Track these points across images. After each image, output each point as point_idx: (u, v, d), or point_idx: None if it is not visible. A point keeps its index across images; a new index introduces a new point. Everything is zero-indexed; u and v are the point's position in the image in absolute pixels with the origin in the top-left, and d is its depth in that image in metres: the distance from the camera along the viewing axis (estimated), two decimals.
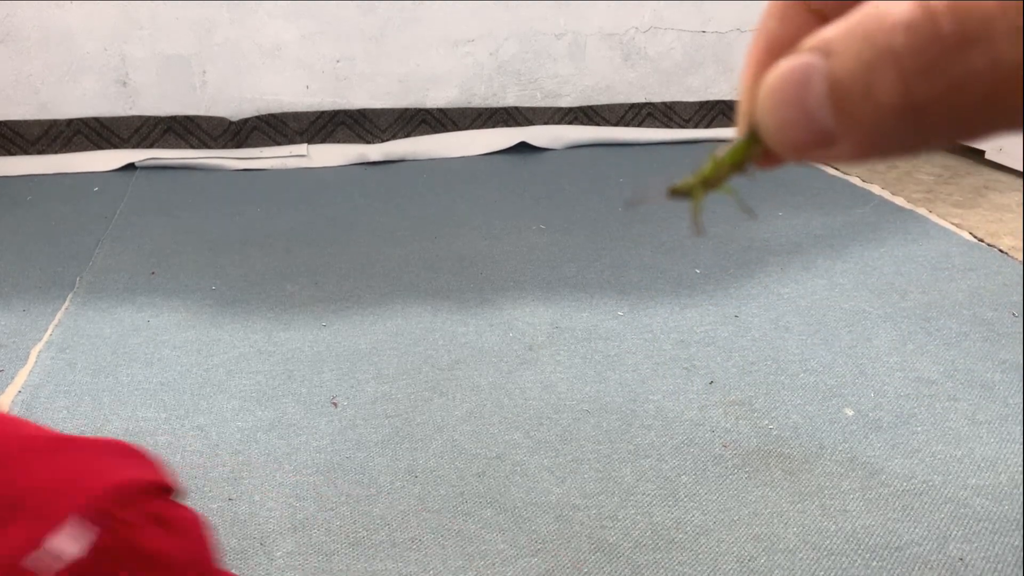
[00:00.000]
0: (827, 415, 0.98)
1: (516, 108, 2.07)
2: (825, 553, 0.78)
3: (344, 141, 2.00)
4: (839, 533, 0.81)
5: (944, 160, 1.97)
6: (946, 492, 0.86)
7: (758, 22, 0.22)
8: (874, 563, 0.77)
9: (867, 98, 0.17)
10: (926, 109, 0.16)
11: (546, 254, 1.42)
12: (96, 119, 1.93)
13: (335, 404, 1.01)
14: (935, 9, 0.16)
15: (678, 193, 0.23)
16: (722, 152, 0.22)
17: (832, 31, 0.17)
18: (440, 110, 2.04)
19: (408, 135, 2.02)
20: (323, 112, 2.00)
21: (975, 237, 1.49)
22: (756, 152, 0.21)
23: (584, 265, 1.38)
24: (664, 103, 2.13)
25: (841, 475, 0.89)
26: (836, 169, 1.89)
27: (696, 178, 0.23)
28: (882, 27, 0.16)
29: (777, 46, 0.21)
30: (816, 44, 0.18)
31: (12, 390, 1.03)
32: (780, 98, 0.18)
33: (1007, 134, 0.17)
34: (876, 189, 1.76)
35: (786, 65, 0.18)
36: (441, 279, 1.33)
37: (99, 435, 0.95)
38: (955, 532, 0.81)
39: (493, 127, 2.06)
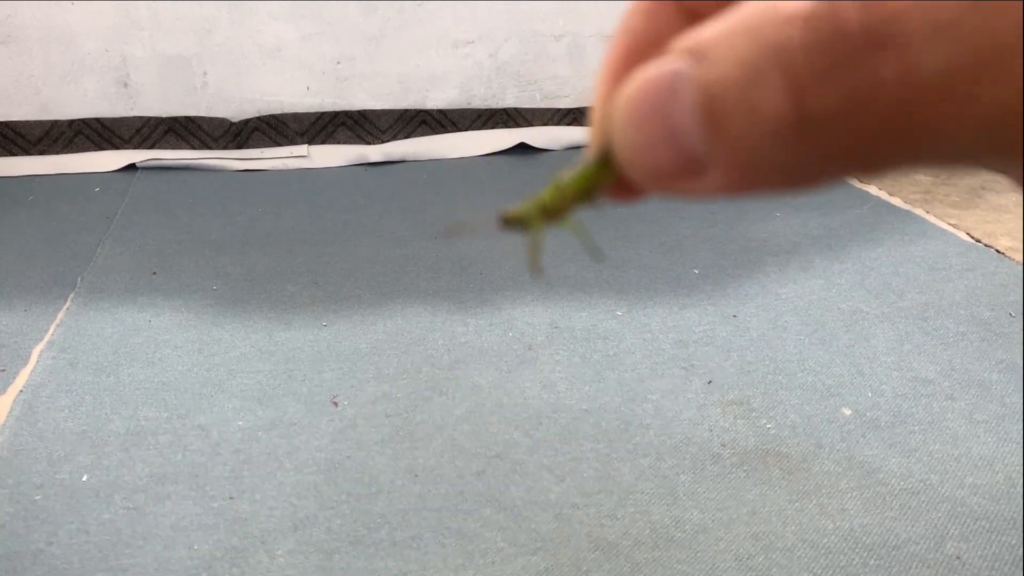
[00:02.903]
0: (825, 414, 0.99)
1: (516, 109, 2.08)
2: (823, 551, 0.79)
3: (344, 142, 2.01)
4: (837, 532, 0.81)
5: None
6: (943, 491, 0.86)
7: (620, 21, 0.18)
8: (871, 561, 0.77)
9: (747, 111, 0.13)
10: (819, 126, 0.13)
11: (545, 254, 1.43)
12: (97, 120, 1.94)
13: (335, 403, 1.02)
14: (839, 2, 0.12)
15: (511, 222, 0.19)
16: (566, 176, 0.18)
17: (709, 31, 0.14)
18: (440, 111, 2.05)
19: (408, 136, 2.03)
20: (323, 113, 2.00)
21: (972, 238, 1.49)
22: (607, 179, 0.17)
23: (583, 265, 1.38)
24: None
25: (839, 474, 0.89)
26: None
27: (533, 206, 0.19)
28: (773, 21, 0.13)
29: (641, 50, 0.17)
30: (687, 46, 0.14)
31: (13, 390, 1.04)
32: (639, 112, 0.15)
33: (914, 169, 0.14)
34: (873, 190, 1.76)
35: (648, 72, 0.15)
36: (441, 279, 1.34)
37: (101, 434, 0.96)
38: (952, 531, 0.81)
39: (493, 128, 2.06)
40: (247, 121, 1.97)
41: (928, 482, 0.88)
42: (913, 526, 0.82)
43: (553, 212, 0.19)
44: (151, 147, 1.95)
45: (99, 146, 1.94)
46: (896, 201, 1.69)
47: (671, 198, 0.15)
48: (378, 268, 1.38)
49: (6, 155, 1.91)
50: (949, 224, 1.56)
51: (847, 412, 0.99)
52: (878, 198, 1.71)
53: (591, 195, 0.18)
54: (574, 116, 2.09)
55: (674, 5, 0.17)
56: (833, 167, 0.14)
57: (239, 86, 1.99)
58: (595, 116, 0.17)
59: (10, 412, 0.99)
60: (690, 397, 1.02)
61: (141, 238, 1.51)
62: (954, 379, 1.05)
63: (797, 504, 0.85)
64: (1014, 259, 1.40)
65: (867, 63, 0.12)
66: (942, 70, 0.12)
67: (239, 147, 1.97)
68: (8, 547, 0.79)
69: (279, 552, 0.79)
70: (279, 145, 1.99)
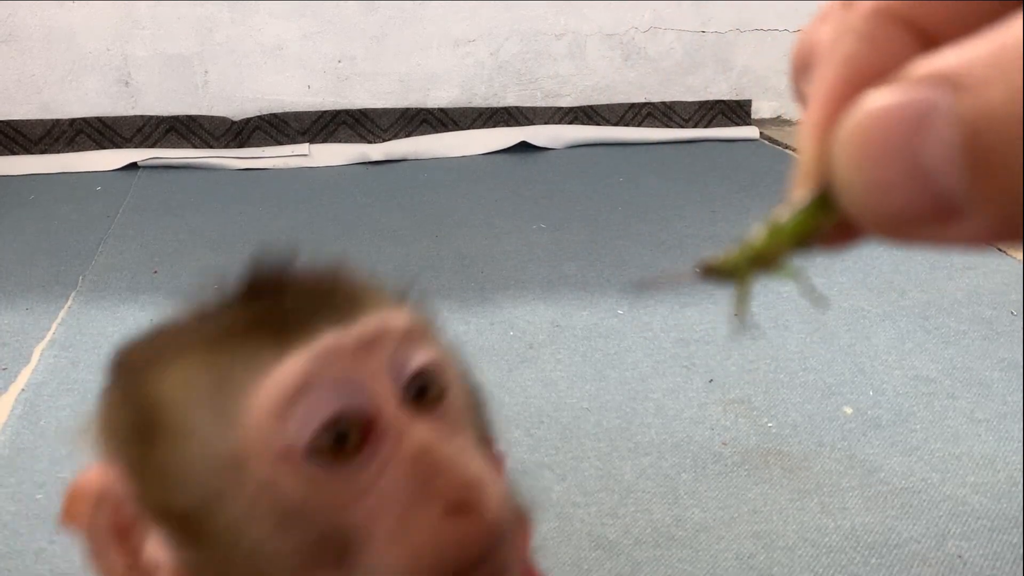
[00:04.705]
0: (826, 413, 0.99)
1: (516, 108, 2.08)
2: (824, 550, 0.79)
3: (345, 141, 2.01)
4: (838, 530, 0.81)
5: None
6: (944, 490, 0.86)
7: (828, 40, 0.15)
8: (872, 560, 0.77)
9: None
10: None
11: (546, 253, 1.43)
12: (98, 119, 1.94)
13: None
14: None
15: (716, 273, 0.17)
16: (781, 219, 0.16)
17: (963, 54, 0.12)
18: (441, 110, 2.05)
19: (409, 135, 2.03)
20: (324, 112, 2.00)
21: None
22: (827, 222, 0.15)
23: (584, 264, 1.38)
24: (664, 103, 2.13)
25: (840, 473, 0.89)
26: None
27: (743, 253, 0.17)
28: None
29: (862, 77, 0.14)
30: (936, 71, 0.12)
31: (15, 388, 1.04)
32: (876, 148, 0.12)
33: None
34: None
35: (886, 100, 0.12)
36: (442, 278, 1.34)
37: None
38: (953, 529, 0.81)
39: (494, 127, 2.06)
40: (248, 120, 1.97)
41: (929, 481, 0.88)
42: (914, 525, 0.82)
43: (765, 259, 0.17)
44: (152, 146, 1.95)
45: (100, 145, 1.94)
46: None
47: (905, 245, 0.13)
48: (379, 267, 1.38)
49: (7, 154, 1.91)
50: None
51: (848, 411, 0.99)
52: None
53: (807, 240, 0.16)
54: (575, 114, 2.09)
55: (902, 25, 0.14)
56: None
57: (240, 85, 1.99)
58: (808, 150, 0.15)
59: (12, 411, 0.99)
60: (691, 396, 1.02)
61: (142, 237, 1.51)
62: (955, 378, 1.05)
63: (798, 503, 0.85)
64: (1015, 257, 1.39)
65: None
66: None
67: (240, 146, 1.97)
68: (10, 545, 0.79)
69: None
70: (280, 144, 1.99)
